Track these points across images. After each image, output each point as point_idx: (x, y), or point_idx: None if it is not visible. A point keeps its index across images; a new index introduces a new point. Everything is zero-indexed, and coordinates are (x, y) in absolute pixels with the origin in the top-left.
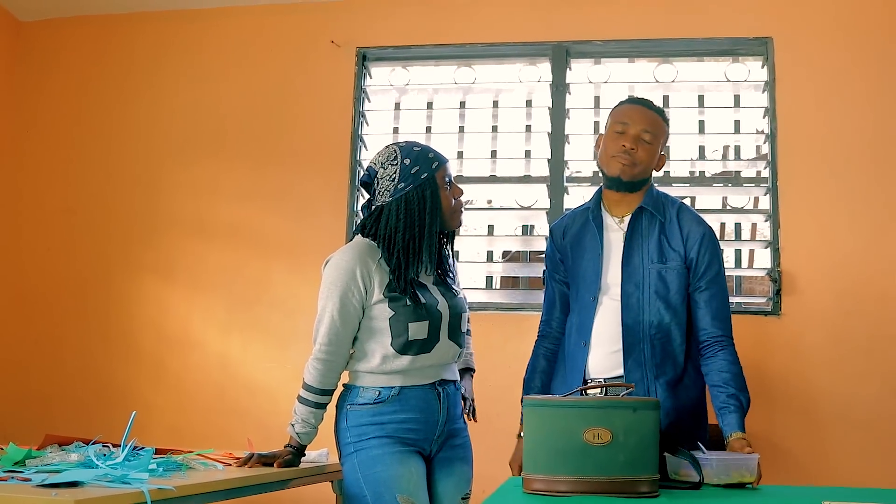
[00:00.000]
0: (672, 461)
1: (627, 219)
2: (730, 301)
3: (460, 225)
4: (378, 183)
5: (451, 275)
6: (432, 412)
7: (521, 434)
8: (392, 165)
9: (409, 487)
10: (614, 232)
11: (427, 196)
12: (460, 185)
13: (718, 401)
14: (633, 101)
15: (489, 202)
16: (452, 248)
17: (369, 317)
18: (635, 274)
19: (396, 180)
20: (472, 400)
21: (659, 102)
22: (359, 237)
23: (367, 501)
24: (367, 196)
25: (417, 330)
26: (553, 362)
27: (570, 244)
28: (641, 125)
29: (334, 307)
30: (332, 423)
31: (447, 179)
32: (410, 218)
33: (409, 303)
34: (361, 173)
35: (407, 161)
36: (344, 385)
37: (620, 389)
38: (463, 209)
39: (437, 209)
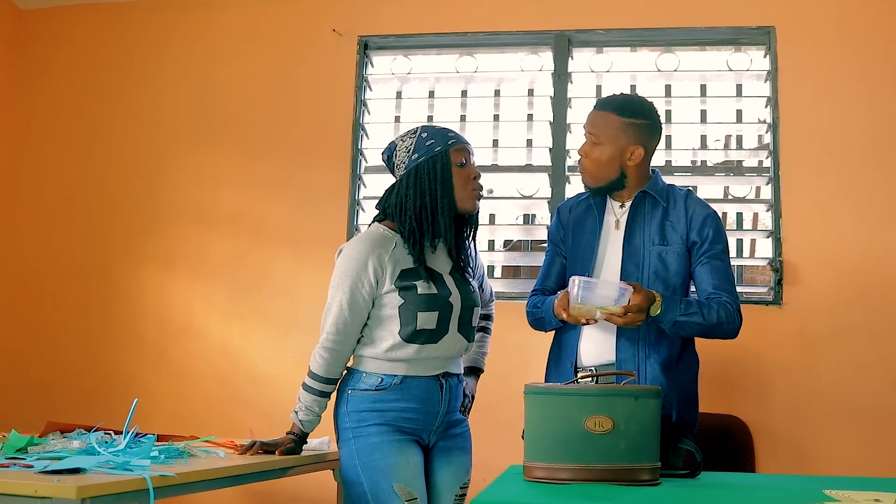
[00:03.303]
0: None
1: (629, 203)
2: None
3: (474, 210)
4: (396, 156)
5: (470, 268)
6: (433, 403)
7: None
8: (410, 138)
9: (405, 476)
10: (614, 215)
11: (438, 169)
12: None
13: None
14: (595, 103)
15: (490, 191)
16: (475, 239)
17: (379, 305)
18: (636, 254)
19: (411, 151)
20: (472, 399)
21: (661, 92)
22: (374, 226)
23: (364, 489)
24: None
25: (426, 320)
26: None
27: (573, 222)
28: (587, 129)
29: (343, 297)
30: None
31: (465, 159)
32: (420, 188)
33: (420, 292)
34: (363, 162)
35: (424, 135)
36: (347, 369)
37: (616, 377)
38: (478, 193)
39: (447, 183)
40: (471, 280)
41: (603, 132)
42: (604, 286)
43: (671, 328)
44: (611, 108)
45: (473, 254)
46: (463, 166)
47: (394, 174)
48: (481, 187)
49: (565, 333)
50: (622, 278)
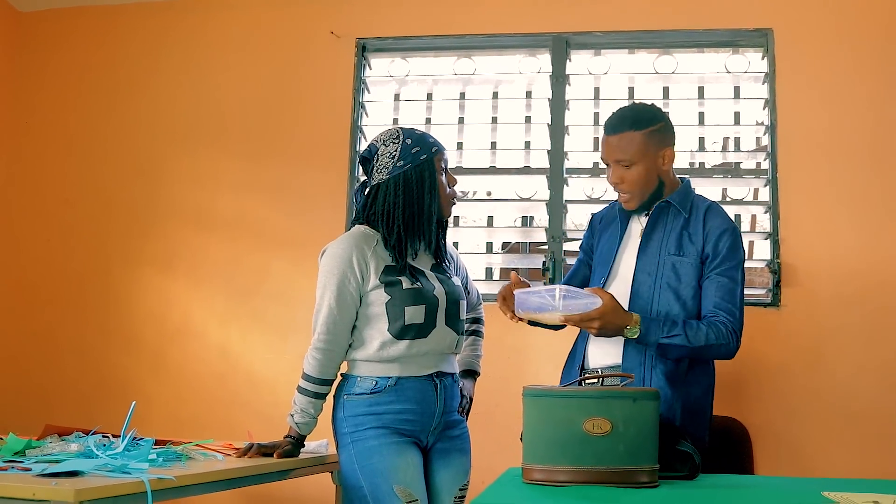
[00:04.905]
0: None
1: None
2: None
3: (450, 215)
4: (377, 160)
5: (447, 263)
6: (429, 403)
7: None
8: (394, 144)
9: (405, 478)
10: (637, 223)
11: (425, 176)
12: (459, 177)
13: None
14: (605, 128)
15: (488, 193)
16: (445, 239)
17: (366, 303)
18: (650, 263)
19: (396, 158)
20: (470, 401)
21: (658, 94)
22: (356, 227)
23: (364, 492)
24: (363, 178)
25: (414, 314)
26: None
27: (601, 230)
28: (613, 156)
29: (331, 296)
30: (331, 412)
31: (444, 166)
32: (409, 196)
33: (405, 287)
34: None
35: (408, 141)
36: (342, 374)
37: (619, 379)
38: (456, 199)
39: (435, 190)
40: (451, 274)
41: (631, 152)
42: (578, 295)
43: (657, 351)
44: (628, 127)
45: (454, 254)
46: (443, 173)
47: (368, 175)
48: (456, 194)
49: (578, 339)
50: (633, 286)
